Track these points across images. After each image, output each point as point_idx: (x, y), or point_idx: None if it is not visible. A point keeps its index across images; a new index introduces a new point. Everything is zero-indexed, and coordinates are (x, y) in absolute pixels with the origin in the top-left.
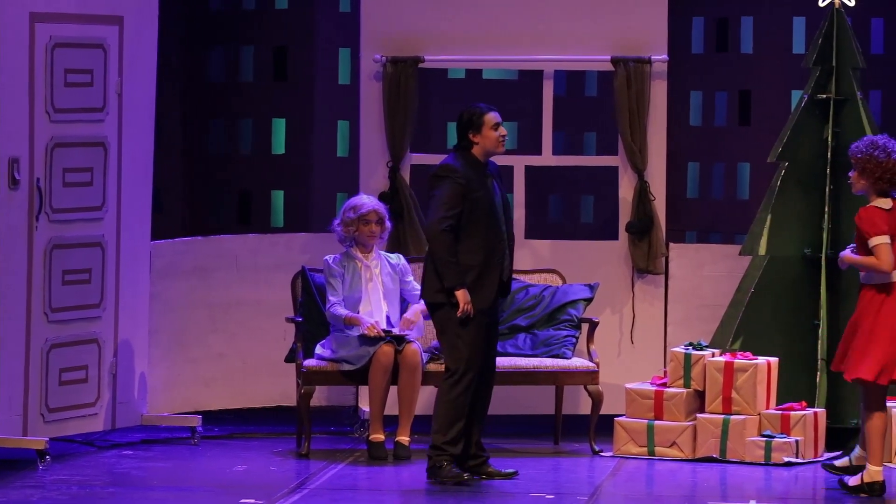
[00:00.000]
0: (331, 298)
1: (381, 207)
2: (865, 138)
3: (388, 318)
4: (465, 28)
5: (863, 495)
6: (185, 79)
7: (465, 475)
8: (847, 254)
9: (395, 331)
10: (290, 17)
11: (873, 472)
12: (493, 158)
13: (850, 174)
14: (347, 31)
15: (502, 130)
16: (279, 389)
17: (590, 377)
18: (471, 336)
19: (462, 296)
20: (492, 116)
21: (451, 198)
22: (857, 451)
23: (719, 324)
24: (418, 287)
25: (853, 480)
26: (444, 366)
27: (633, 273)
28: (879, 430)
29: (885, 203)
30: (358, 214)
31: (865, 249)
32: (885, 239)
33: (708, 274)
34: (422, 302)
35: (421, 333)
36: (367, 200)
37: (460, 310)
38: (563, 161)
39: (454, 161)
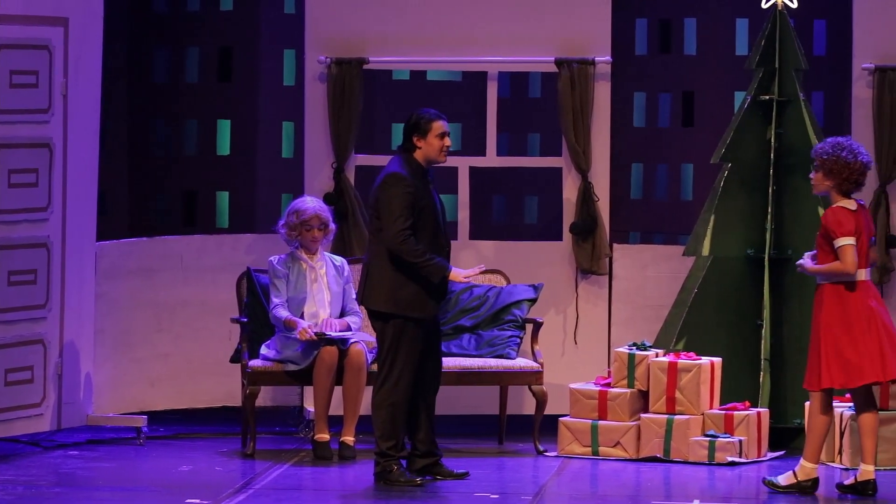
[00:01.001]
0: (274, 300)
1: (324, 211)
2: (829, 140)
3: (330, 317)
4: (410, 30)
5: (794, 492)
6: (130, 80)
7: (419, 479)
8: (808, 264)
9: (332, 334)
10: (235, 19)
11: (808, 469)
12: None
13: (811, 175)
14: (292, 33)
15: (447, 141)
16: (224, 389)
17: (534, 377)
18: (408, 345)
19: (456, 274)
20: (440, 125)
21: (404, 207)
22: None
23: (663, 324)
24: (353, 297)
25: (784, 479)
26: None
27: (577, 273)
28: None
29: (851, 204)
30: (300, 220)
31: (828, 250)
32: (852, 240)
33: (651, 274)
34: (354, 316)
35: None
36: (310, 204)
37: (466, 276)
38: (507, 162)
39: (400, 168)
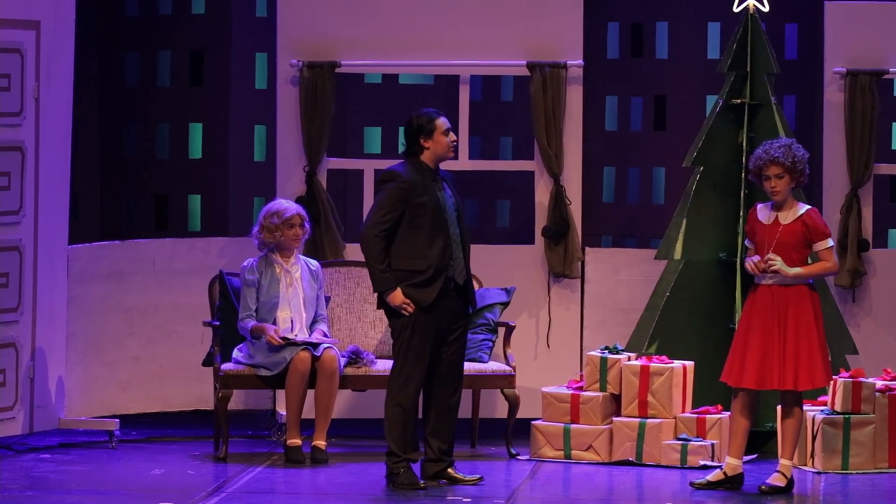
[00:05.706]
0: (241, 313)
1: (303, 210)
2: (778, 144)
3: (305, 322)
4: (382, 33)
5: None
6: (102, 83)
7: (422, 482)
8: (783, 267)
9: (298, 338)
10: (207, 22)
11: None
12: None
13: (772, 184)
14: (264, 36)
15: (452, 136)
16: (196, 393)
17: (506, 381)
18: (417, 343)
19: (395, 298)
20: (443, 122)
21: (389, 203)
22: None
23: (635, 328)
24: (323, 303)
25: (713, 475)
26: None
27: (550, 277)
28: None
29: None
30: (283, 219)
31: (801, 252)
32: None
33: (624, 278)
34: (323, 324)
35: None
36: (287, 204)
37: (401, 308)
38: (479, 165)
39: (399, 167)
